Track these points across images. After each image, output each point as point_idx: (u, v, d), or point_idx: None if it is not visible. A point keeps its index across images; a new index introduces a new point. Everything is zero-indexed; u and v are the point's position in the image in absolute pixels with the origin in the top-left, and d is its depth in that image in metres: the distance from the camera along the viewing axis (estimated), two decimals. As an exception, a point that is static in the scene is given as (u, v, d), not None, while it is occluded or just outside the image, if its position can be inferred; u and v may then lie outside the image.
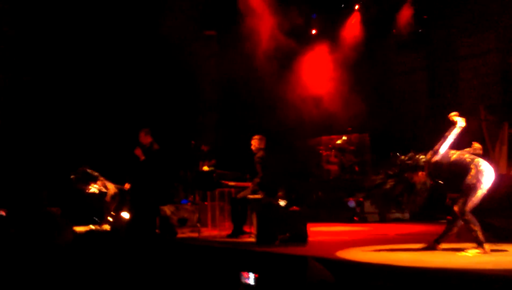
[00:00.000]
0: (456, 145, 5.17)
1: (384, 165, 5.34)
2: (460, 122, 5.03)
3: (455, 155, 5.01)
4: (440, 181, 5.12)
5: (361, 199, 11.27)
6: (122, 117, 11.65)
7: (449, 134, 5.05)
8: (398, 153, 5.28)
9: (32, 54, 11.20)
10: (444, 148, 5.06)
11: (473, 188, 4.81)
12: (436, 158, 5.07)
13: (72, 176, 9.49)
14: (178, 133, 11.81)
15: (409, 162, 5.12)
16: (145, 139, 8.19)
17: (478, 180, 4.81)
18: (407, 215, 9.78)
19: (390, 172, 5.15)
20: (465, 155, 5.00)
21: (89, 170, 9.59)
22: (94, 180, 9.68)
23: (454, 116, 5.08)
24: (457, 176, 4.94)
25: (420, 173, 5.11)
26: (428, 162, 5.11)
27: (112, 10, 11.37)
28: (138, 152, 8.12)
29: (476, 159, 4.93)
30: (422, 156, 5.17)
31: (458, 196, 4.89)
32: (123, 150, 10.61)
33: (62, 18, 11.23)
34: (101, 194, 9.71)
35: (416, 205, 5.14)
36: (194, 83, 12.95)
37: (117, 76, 11.83)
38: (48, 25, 11.14)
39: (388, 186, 5.08)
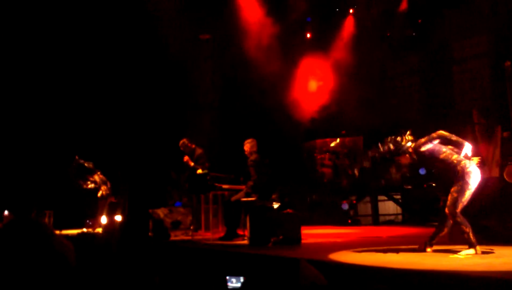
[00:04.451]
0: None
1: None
2: (467, 148, 4.97)
3: (444, 154, 5.04)
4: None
5: (354, 202, 11.30)
6: (118, 119, 11.63)
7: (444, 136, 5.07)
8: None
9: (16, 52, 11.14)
10: (430, 145, 5.10)
11: (461, 189, 4.87)
12: (428, 146, 5.09)
13: (68, 169, 9.53)
14: (173, 136, 11.81)
15: (392, 147, 5.28)
16: (190, 146, 8.78)
17: (466, 182, 4.87)
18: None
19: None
20: (453, 156, 5.03)
21: (82, 161, 9.59)
22: (91, 173, 9.67)
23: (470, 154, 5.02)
24: (441, 172, 5.10)
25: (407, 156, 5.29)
26: (416, 148, 5.16)
27: (109, 14, 11.36)
28: (187, 159, 8.67)
29: (462, 161, 4.96)
30: (409, 140, 5.27)
31: (447, 198, 4.92)
32: (121, 152, 10.57)
33: (60, 17, 11.19)
34: (96, 190, 9.68)
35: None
36: (190, 86, 12.94)
37: (113, 79, 11.79)
38: (45, 22, 11.09)
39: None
